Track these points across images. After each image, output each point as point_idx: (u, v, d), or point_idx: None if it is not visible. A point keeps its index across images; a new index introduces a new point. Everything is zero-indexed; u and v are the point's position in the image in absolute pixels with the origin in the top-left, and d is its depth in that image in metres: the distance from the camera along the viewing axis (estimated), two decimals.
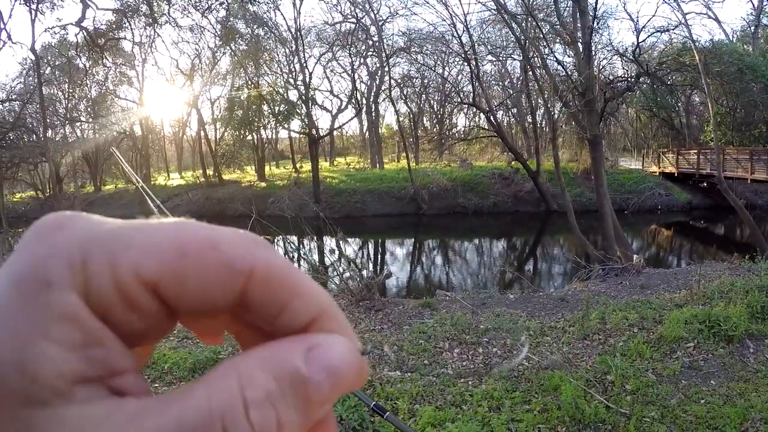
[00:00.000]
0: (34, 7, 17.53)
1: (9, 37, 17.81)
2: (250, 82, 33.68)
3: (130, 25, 27.66)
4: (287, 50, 34.55)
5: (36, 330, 0.22)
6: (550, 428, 4.54)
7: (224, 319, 0.30)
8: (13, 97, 27.63)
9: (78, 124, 35.61)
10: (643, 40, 26.05)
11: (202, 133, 37.11)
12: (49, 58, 29.91)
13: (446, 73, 41.58)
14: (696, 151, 27.14)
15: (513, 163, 29.00)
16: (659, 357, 5.94)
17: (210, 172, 36.33)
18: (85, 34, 21.15)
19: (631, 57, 25.73)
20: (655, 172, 29.92)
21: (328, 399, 0.26)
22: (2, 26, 17.46)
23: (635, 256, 12.43)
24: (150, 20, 26.58)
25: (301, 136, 36.97)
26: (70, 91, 32.98)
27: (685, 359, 5.85)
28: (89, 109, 35.79)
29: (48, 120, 18.05)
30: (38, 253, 0.24)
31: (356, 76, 39.96)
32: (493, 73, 42.17)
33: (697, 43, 21.33)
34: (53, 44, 28.36)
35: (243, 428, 0.23)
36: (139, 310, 0.25)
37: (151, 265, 0.24)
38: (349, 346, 0.27)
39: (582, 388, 5.07)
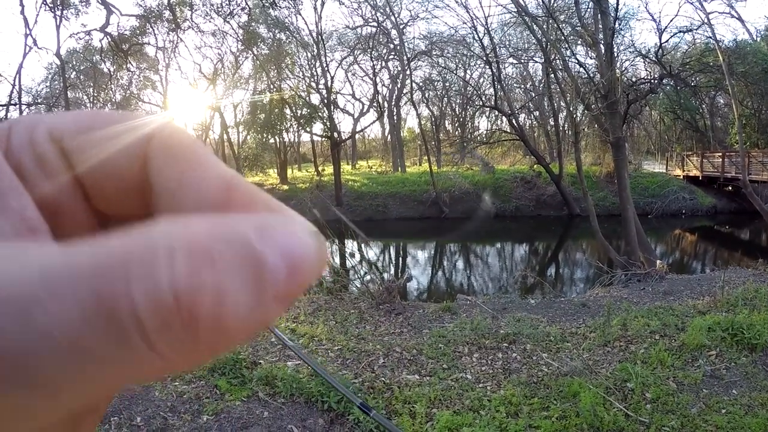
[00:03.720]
0: (59, 13, 17.80)
1: (35, 42, 18.14)
2: (272, 86, 33.89)
3: (153, 30, 27.99)
4: (309, 54, 34.75)
5: None
6: None
7: (134, 205, 0.26)
8: (39, 100, 28.06)
9: None
10: (666, 41, 25.75)
11: (225, 137, 37.40)
12: (74, 62, 30.35)
13: (468, 76, 41.57)
14: (720, 154, 26.80)
15: (535, 166, 28.84)
16: (681, 365, 5.87)
17: None
18: (109, 39, 21.46)
19: (653, 58, 25.47)
20: (679, 176, 29.55)
21: (285, 292, 0.20)
22: (28, 32, 17.77)
23: (658, 262, 12.29)
24: (173, 25, 26.87)
25: (323, 139, 37.08)
26: (95, 95, 33.41)
27: (707, 368, 5.78)
28: None
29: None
30: None
31: (378, 80, 39.99)
32: (514, 75, 42.06)
33: (720, 44, 21.08)
34: (78, 49, 28.81)
35: (159, 279, 0.18)
36: (46, 168, 0.25)
37: (63, 124, 0.25)
38: (306, 229, 0.22)
39: (601, 396, 5.04)
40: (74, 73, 30.99)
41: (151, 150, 0.24)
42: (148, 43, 29.88)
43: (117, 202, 0.26)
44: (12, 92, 19.80)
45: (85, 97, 34.13)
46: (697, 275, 12.17)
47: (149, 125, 0.25)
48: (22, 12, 17.51)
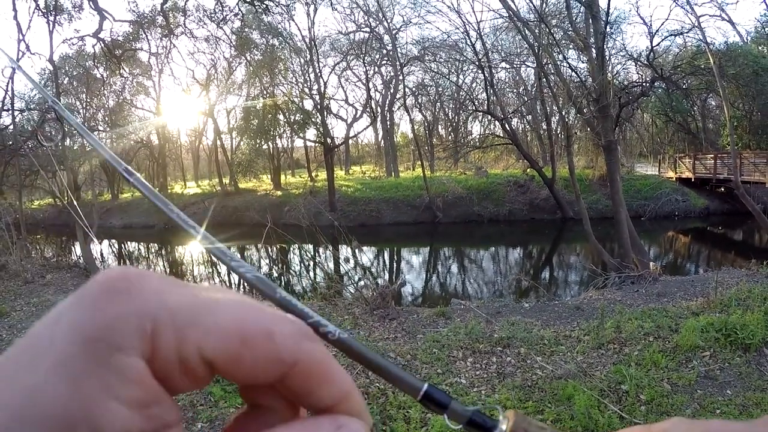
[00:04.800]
0: (52, 19, 17.72)
1: (27, 48, 18.02)
2: (265, 92, 33.90)
3: (146, 36, 27.99)
4: (302, 60, 34.82)
5: (106, 390, 0.25)
6: None
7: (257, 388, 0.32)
8: (32, 106, 27.93)
9: (96, 133, 35.96)
10: (657, 44, 25.89)
11: (219, 143, 37.36)
12: (67, 68, 30.25)
13: (460, 80, 41.67)
14: (713, 155, 26.89)
15: (528, 170, 28.89)
16: (675, 366, 5.86)
17: (226, 180, 36.54)
18: (102, 45, 21.37)
19: (645, 61, 25.59)
20: (672, 178, 29.63)
21: None
22: (21, 37, 17.68)
23: (652, 264, 12.31)
24: (166, 31, 26.83)
25: (317, 145, 37.12)
26: (88, 100, 33.32)
27: (701, 368, 5.77)
28: (107, 119, 36.16)
29: (66, 129, 18.33)
30: (109, 315, 0.27)
31: (371, 85, 40.12)
32: (507, 80, 42.18)
33: (711, 46, 21.18)
34: (71, 55, 28.72)
35: None
36: (192, 377, 0.29)
37: (213, 347, 0.28)
38: (364, 428, 0.31)
39: (596, 398, 5.03)
40: (67, 78, 30.90)
41: (291, 372, 0.30)
42: (141, 49, 29.92)
43: (241, 382, 0.31)
44: (5, 98, 19.71)
45: (78, 103, 34.06)
46: (691, 276, 12.18)
47: (293, 344, 0.30)
48: (15, 17, 17.42)
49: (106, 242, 26.69)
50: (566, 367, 5.95)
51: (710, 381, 5.53)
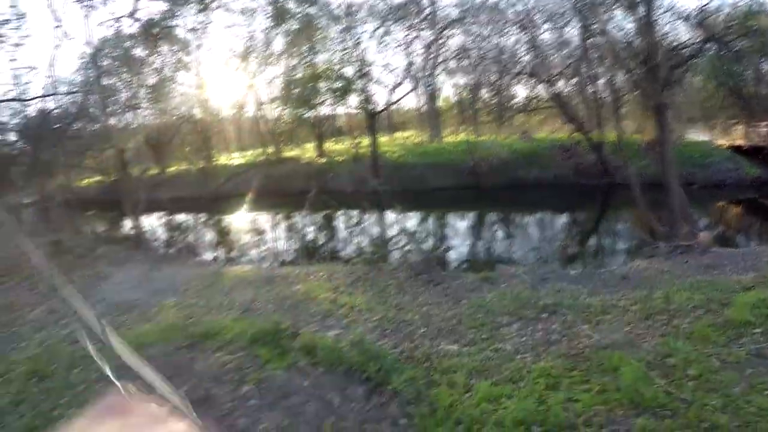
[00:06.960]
0: (86, 3, 18.21)
1: (65, 34, 18.59)
2: (305, 61, 33.84)
3: (182, 12, 28.10)
4: (340, 27, 34.53)
5: None
6: (608, 410, 4.45)
7: None
8: (75, 89, 28.40)
9: (139, 110, 36.52)
10: (707, 3, 24.87)
11: (260, 113, 37.57)
12: (108, 50, 30.63)
13: (503, 43, 40.82)
14: (766, 123, 25.95)
15: (575, 134, 28.35)
16: (724, 342, 5.66)
17: (270, 150, 36.82)
18: (138, 24, 21.73)
19: (695, 21, 24.69)
20: (724, 145, 28.70)
21: None
22: (58, 24, 18.18)
23: (702, 234, 12.03)
24: (201, 6, 26.94)
25: (359, 112, 37.00)
26: (129, 80, 33.74)
27: (752, 346, 5.54)
28: (149, 96, 36.60)
29: (109, 108, 18.95)
30: None
31: (411, 50, 39.65)
32: (551, 41, 41.16)
33: (765, 5, 20.29)
34: (109, 37, 29.01)
35: None
36: None
37: None
38: None
39: (642, 371, 4.97)
40: (108, 60, 31.29)
41: None
42: (178, 26, 30.09)
43: None
44: (49, 83, 20.35)
45: (119, 83, 34.54)
46: (742, 249, 11.75)
47: None
48: (50, 5, 17.96)
49: (155, 215, 27.21)
50: (613, 336, 5.91)
51: (761, 360, 5.27)
